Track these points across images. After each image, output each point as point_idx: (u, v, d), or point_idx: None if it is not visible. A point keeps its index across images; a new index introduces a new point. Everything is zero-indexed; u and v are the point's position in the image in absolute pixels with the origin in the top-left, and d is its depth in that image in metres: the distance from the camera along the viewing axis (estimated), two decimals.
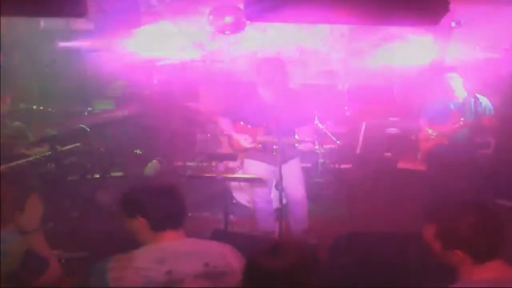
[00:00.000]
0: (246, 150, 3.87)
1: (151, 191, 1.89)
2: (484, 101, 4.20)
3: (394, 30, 5.83)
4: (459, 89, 4.22)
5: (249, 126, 3.85)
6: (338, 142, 5.14)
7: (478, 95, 4.21)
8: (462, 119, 4.17)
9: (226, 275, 1.76)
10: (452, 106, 4.24)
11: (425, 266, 2.64)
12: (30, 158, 3.75)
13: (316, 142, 3.69)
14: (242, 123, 3.88)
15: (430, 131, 4.30)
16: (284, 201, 3.76)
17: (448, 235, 1.60)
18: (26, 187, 3.67)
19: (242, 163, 4.65)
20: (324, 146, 3.82)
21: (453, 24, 4.60)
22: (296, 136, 3.80)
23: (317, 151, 5.27)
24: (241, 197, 4.82)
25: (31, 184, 3.74)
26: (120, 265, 1.69)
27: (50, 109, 4.55)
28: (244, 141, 3.81)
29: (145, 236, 1.84)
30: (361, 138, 5.50)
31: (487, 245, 1.57)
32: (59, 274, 1.99)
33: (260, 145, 3.81)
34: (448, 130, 4.24)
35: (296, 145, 3.71)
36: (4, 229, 1.93)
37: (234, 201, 4.83)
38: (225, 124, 3.92)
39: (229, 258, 1.81)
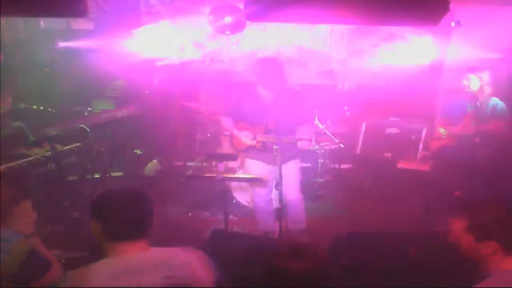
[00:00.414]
0: (247, 148, 3.88)
1: (113, 196, 1.79)
2: (501, 105, 4.13)
3: (394, 30, 5.83)
4: (477, 90, 4.14)
5: (249, 126, 3.86)
6: (336, 141, 5.14)
7: (496, 99, 4.14)
8: (473, 122, 4.09)
9: (190, 286, 1.70)
10: (468, 108, 4.16)
11: (425, 266, 2.64)
12: (30, 158, 3.75)
13: (313, 139, 3.68)
14: (243, 123, 3.89)
15: (442, 130, 4.25)
16: (284, 201, 3.77)
17: (483, 227, 1.70)
18: (26, 187, 3.67)
19: (242, 163, 4.66)
20: (321, 144, 3.80)
21: (453, 24, 4.59)
22: (297, 136, 3.80)
23: (317, 151, 5.27)
24: (241, 197, 4.83)
25: (31, 184, 3.74)
26: (76, 282, 1.63)
27: (50, 109, 4.55)
28: (245, 138, 3.82)
29: (102, 243, 1.77)
30: (361, 138, 5.50)
31: None
32: (60, 275, 1.99)
33: (260, 145, 3.81)
34: (460, 131, 4.17)
35: (294, 143, 3.70)
36: (7, 229, 1.94)
37: (234, 201, 4.84)
38: (227, 123, 3.93)
39: (195, 268, 1.74)
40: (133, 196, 1.80)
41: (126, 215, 1.75)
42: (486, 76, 4.15)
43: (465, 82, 4.14)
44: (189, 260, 1.76)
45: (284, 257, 1.50)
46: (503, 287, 1.60)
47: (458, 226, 1.75)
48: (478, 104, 4.13)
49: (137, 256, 1.72)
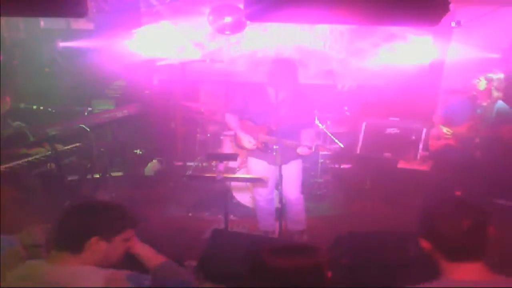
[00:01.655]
0: (249, 148, 3.89)
1: (68, 206, 1.79)
2: (506, 108, 4.10)
3: (394, 30, 5.84)
4: (483, 92, 4.11)
5: (254, 125, 3.87)
6: (338, 145, 5.13)
7: (503, 103, 4.10)
8: (480, 123, 4.05)
9: None
10: (474, 108, 4.15)
11: (426, 266, 2.64)
12: (30, 158, 3.75)
13: (313, 147, 3.67)
14: (247, 121, 3.90)
15: (445, 129, 4.21)
16: (284, 201, 3.77)
17: (431, 233, 1.63)
18: (26, 187, 3.67)
19: (242, 163, 4.66)
20: (321, 152, 3.80)
21: (453, 24, 4.59)
22: (300, 140, 3.79)
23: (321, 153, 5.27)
24: (242, 197, 4.83)
25: (31, 184, 3.74)
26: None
27: (50, 109, 4.55)
28: (247, 142, 3.82)
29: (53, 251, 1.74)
30: (361, 138, 5.49)
31: (462, 245, 1.57)
32: None
33: (262, 145, 3.82)
34: (463, 132, 4.15)
35: (295, 149, 3.70)
36: (7, 237, 1.94)
37: (234, 201, 4.84)
38: (232, 121, 3.93)
39: None
40: (78, 207, 1.76)
41: (66, 226, 1.72)
42: (497, 79, 4.10)
43: (475, 82, 4.09)
44: None
45: (279, 256, 1.47)
46: None
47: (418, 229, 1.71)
48: (483, 106, 4.10)
49: (64, 269, 1.67)
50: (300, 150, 3.70)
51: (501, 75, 4.13)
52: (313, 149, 3.68)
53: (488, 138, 4.18)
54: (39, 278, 1.62)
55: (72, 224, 1.71)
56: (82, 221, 1.71)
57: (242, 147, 3.94)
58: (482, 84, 4.07)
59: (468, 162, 4.25)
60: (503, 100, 4.22)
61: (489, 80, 4.05)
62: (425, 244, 1.65)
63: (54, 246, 1.72)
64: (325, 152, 3.82)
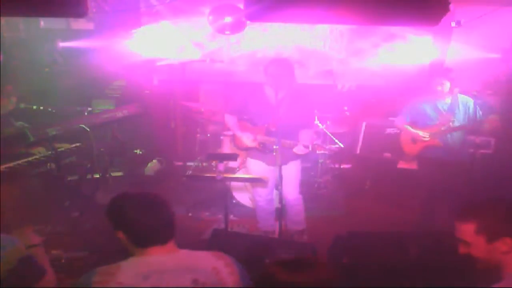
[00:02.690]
0: (248, 148, 3.89)
1: (131, 205, 1.75)
2: (471, 102, 4.12)
3: (394, 30, 5.84)
4: (447, 90, 4.13)
5: (253, 125, 3.87)
6: (338, 145, 5.13)
7: (464, 96, 4.14)
8: (453, 120, 4.08)
9: None
10: (440, 107, 4.15)
11: (425, 266, 2.64)
12: (30, 158, 3.75)
13: (310, 147, 3.67)
14: (245, 122, 3.90)
15: (421, 133, 4.21)
16: (284, 201, 3.77)
17: (493, 226, 1.68)
18: (26, 187, 3.68)
19: (242, 163, 4.66)
20: (318, 151, 3.79)
21: (453, 24, 4.59)
22: (298, 140, 3.79)
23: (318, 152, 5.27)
24: (242, 197, 4.83)
25: (31, 184, 3.74)
26: (103, 279, 1.61)
27: (50, 109, 4.55)
28: (246, 139, 3.83)
29: (131, 249, 1.75)
30: (361, 138, 5.50)
31: None
32: (54, 285, 2.00)
33: (260, 146, 3.82)
34: (438, 132, 4.16)
35: (292, 147, 3.70)
36: (7, 236, 1.94)
37: (234, 201, 4.84)
38: (231, 121, 3.93)
39: (222, 274, 1.70)
40: (152, 203, 1.77)
41: (152, 222, 1.72)
42: (453, 76, 4.14)
43: (439, 88, 4.11)
44: (216, 266, 1.72)
45: (287, 269, 1.47)
46: None
47: (467, 230, 1.72)
48: (448, 103, 4.13)
49: (166, 257, 1.71)
50: (296, 149, 3.69)
51: (452, 70, 4.22)
52: (310, 148, 3.68)
53: (468, 132, 4.24)
54: (162, 271, 1.65)
55: (163, 215, 1.75)
56: (163, 212, 1.76)
57: (241, 148, 3.94)
58: (447, 86, 4.09)
59: (464, 159, 4.26)
60: (494, 95, 4.23)
61: (452, 80, 4.08)
62: (482, 242, 1.70)
63: (140, 246, 1.72)
64: (322, 152, 3.80)
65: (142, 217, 1.72)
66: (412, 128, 4.27)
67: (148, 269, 1.65)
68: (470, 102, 4.12)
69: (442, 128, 4.12)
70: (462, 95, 4.16)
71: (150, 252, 1.71)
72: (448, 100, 4.13)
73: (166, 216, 1.76)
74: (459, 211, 1.77)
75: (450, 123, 4.09)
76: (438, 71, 4.23)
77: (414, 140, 4.29)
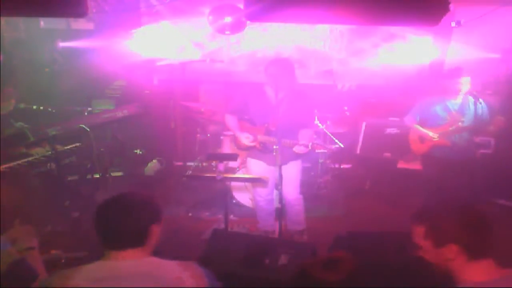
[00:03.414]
0: (248, 148, 3.89)
1: (100, 208, 1.74)
2: (481, 102, 4.13)
3: (394, 30, 5.84)
4: (466, 90, 4.08)
5: (253, 125, 3.87)
6: (338, 145, 5.13)
7: (476, 95, 4.13)
8: (462, 120, 4.09)
9: None
10: (450, 107, 4.17)
11: (425, 266, 2.64)
12: (30, 158, 3.75)
13: (309, 145, 3.67)
14: (245, 122, 3.90)
15: (431, 133, 4.21)
16: (284, 201, 3.77)
17: (440, 231, 1.63)
18: (26, 187, 3.68)
19: (242, 163, 4.66)
20: (317, 151, 3.78)
21: (453, 24, 4.58)
22: (298, 140, 3.79)
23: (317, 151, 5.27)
24: (242, 197, 4.83)
25: (31, 184, 3.74)
26: (59, 281, 1.61)
27: (50, 109, 4.56)
28: (245, 139, 3.83)
29: (104, 250, 1.74)
30: (361, 138, 5.50)
31: (479, 241, 1.60)
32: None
33: (260, 145, 3.82)
34: (445, 132, 4.17)
35: (292, 147, 3.70)
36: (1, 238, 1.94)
37: (234, 201, 4.84)
38: (231, 122, 3.93)
39: (185, 284, 1.67)
40: (118, 205, 1.74)
41: (109, 226, 1.71)
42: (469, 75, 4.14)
43: (459, 86, 4.08)
44: (182, 277, 1.68)
45: (318, 267, 1.48)
46: None
47: (417, 233, 1.69)
48: (459, 102, 4.12)
49: (126, 263, 1.69)
50: (296, 149, 3.69)
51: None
52: (310, 148, 3.67)
53: (476, 132, 4.22)
54: (119, 277, 1.63)
55: (132, 219, 1.71)
56: (142, 213, 1.74)
57: (241, 148, 3.94)
58: (466, 86, 4.07)
59: (468, 160, 4.25)
60: (494, 95, 4.22)
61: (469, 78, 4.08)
62: (430, 246, 1.65)
63: (109, 246, 1.71)
64: (321, 151, 3.80)
65: (103, 221, 1.72)
66: (421, 127, 4.27)
67: (103, 273, 1.64)
68: (480, 102, 4.10)
69: (451, 128, 4.11)
70: (471, 97, 4.14)
71: (110, 257, 1.70)
72: (459, 100, 4.12)
73: (128, 222, 1.71)
74: (413, 213, 1.73)
75: (459, 123, 4.08)
76: (455, 71, 4.18)
77: (422, 139, 4.29)
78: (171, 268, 1.71)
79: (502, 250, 1.77)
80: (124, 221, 1.71)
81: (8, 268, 1.84)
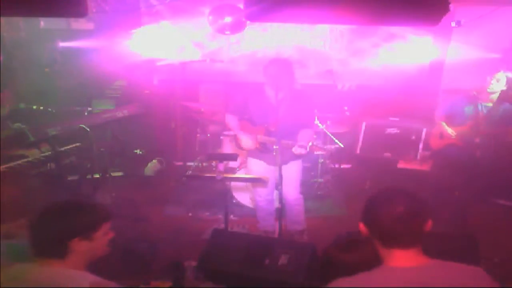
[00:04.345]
0: (248, 148, 3.89)
1: (42, 211, 1.71)
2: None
3: (394, 30, 5.84)
4: (497, 91, 4.01)
5: (253, 125, 3.87)
6: (337, 145, 5.13)
7: (508, 104, 4.02)
8: (487, 123, 3.98)
9: None
10: (479, 108, 4.06)
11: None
12: (30, 158, 3.75)
13: (307, 147, 3.67)
14: (246, 122, 3.90)
15: (449, 130, 4.17)
16: (284, 201, 3.76)
17: (369, 221, 1.65)
18: (26, 187, 3.67)
19: (242, 163, 4.66)
20: (315, 152, 3.77)
21: (453, 24, 4.59)
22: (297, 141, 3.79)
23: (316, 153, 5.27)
24: (242, 197, 4.83)
25: (31, 184, 3.74)
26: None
27: (50, 109, 4.56)
28: (246, 141, 3.82)
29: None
30: (361, 138, 5.50)
31: (394, 231, 1.58)
32: None
33: (260, 145, 3.82)
34: (466, 132, 4.09)
35: (290, 147, 3.70)
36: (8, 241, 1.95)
37: (234, 201, 4.84)
38: (232, 122, 3.93)
39: None
40: (56, 214, 1.71)
41: (37, 233, 1.69)
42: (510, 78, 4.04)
43: (493, 82, 3.97)
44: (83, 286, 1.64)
45: (340, 248, 1.51)
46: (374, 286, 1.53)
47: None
48: (487, 106, 4.07)
49: (41, 269, 1.67)
50: (294, 150, 3.69)
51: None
52: (308, 149, 3.67)
53: (493, 138, 4.15)
54: (29, 280, 1.62)
55: (49, 231, 1.68)
56: (59, 226, 1.69)
57: (242, 148, 3.94)
58: (501, 83, 3.96)
59: (472, 162, 4.24)
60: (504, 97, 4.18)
61: (509, 81, 3.97)
62: (364, 229, 1.67)
63: (36, 253, 1.69)
64: (319, 152, 3.79)
65: (32, 225, 1.70)
66: (446, 124, 4.25)
67: (14, 275, 1.65)
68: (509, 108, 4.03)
69: (472, 129, 4.06)
70: (509, 104, 4.07)
71: (37, 262, 1.69)
72: (490, 103, 4.06)
73: (45, 232, 1.68)
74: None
75: (482, 126, 4.02)
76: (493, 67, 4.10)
77: (442, 135, 4.27)
78: (75, 278, 1.67)
79: (503, 250, 1.77)
80: (43, 230, 1.68)
81: None
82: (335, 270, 1.48)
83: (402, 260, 1.57)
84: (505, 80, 4.00)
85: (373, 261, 1.50)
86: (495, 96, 4.06)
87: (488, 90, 4.03)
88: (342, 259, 1.48)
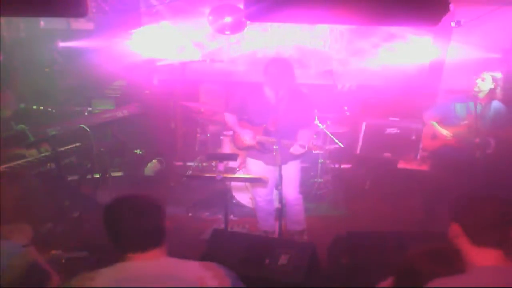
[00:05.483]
0: (247, 147, 3.88)
1: (112, 210, 1.71)
2: (503, 108, 4.01)
3: (394, 30, 5.84)
4: (486, 91, 4.00)
5: (252, 125, 3.87)
6: (337, 145, 5.13)
7: (498, 102, 4.01)
8: (481, 123, 3.95)
9: None
10: (471, 108, 4.03)
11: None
12: (30, 158, 3.75)
13: (306, 146, 3.66)
14: (245, 122, 3.90)
15: (444, 131, 4.17)
16: (284, 201, 3.76)
17: (451, 212, 1.71)
18: (26, 187, 3.68)
19: (242, 163, 4.66)
20: (314, 152, 3.77)
21: (453, 24, 4.58)
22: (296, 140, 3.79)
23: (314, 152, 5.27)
24: (242, 197, 4.83)
25: (31, 184, 3.74)
26: (81, 282, 1.61)
27: (50, 109, 4.56)
28: (246, 136, 3.81)
29: (119, 252, 1.71)
30: (361, 138, 5.49)
31: (482, 228, 1.64)
32: (58, 284, 1.99)
33: (259, 145, 3.81)
34: (462, 132, 4.07)
35: (290, 149, 3.70)
36: (6, 240, 1.94)
37: (234, 201, 4.84)
38: (231, 120, 3.93)
39: (207, 284, 1.64)
40: (133, 206, 1.71)
41: (127, 227, 1.68)
42: (500, 78, 4.04)
43: (478, 81, 3.99)
44: (204, 277, 1.65)
45: (424, 260, 1.58)
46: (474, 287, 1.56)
47: (453, 230, 1.76)
48: (481, 106, 4.06)
49: (147, 264, 1.67)
50: (293, 149, 3.69)
51: (500, 74, 4.11)
52: (306, 148, 3.67)
53: (493, 138, 4.14)
54: (140, 278, 1.62)
55: (149, 220, 1.69)
56: (156, 213, 1.72)
57: (241, 148, 3.94)
58: (487, 83, 3.99)
59: (471, 162, 4.23)
60: (502, 99, 4.19)
61: (495, 79, 4.00)
62: (456, 229, 1.70)
63: (126, 249, 1.68)
64: (318, 151, 3.79)
65: (119, 223, 1.68)
66: (438, 124, 4.24)
67: (123, 275, 1.63)
68: (503, 109, 4.03)
69: (466, 130, 4.05)
70: (498, 102, 4.07)
71: (130, 258, 1.68)
72: (482, 102, 4.04)
73: (146, 223, 1.69)
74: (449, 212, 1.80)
75: (477, 126, 4.00)
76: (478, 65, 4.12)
77: (435, 136, 4.26)
78: (192, 268, 1.69)
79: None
80: (141, 222, 1.68)
81: (26, 270, 1.84)
82: (421, 278, 1.54)
83: (492, 259, 1.62)
84: (490, 79, 4.01)
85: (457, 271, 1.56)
86: (482, 94, 4.07)
87: (475, 89, 4.04)
88: (429, 270, 1.52)
